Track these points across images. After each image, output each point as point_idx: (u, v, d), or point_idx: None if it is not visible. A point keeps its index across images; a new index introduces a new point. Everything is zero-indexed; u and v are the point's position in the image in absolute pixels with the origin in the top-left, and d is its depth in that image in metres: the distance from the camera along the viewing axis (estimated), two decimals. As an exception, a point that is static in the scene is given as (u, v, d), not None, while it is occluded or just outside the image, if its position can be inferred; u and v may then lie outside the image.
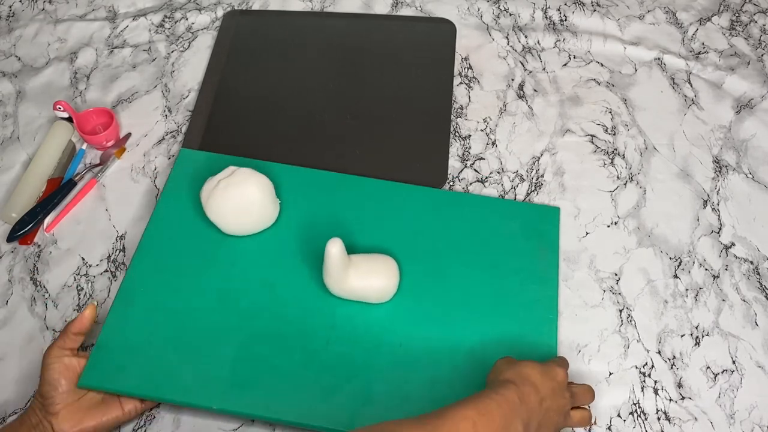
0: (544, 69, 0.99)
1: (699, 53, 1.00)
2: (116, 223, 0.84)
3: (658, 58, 0.99)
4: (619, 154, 0.89)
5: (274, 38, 1.03)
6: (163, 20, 1.06)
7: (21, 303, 0.78)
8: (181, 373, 0.68)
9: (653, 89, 0.96)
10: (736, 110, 0.94)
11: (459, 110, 0.94)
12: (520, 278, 0.76)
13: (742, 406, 0.70)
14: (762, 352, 0.74)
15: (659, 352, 0.74)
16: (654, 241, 0.82)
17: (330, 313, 0.73)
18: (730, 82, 0.96)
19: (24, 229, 0.82)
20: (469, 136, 0.91)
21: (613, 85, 0.97)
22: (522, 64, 0.99)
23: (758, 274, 0.79)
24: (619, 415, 0.70)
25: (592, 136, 0.91)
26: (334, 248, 0.68)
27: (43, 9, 1.08)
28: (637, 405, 0.71)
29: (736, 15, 1.05)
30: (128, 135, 0.92)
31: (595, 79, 0.97)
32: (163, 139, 0.92)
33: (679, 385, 0.72)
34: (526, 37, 1.03)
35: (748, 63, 0.99)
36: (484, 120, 0.93)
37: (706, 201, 0.85)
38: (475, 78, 0.98)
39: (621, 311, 0.77)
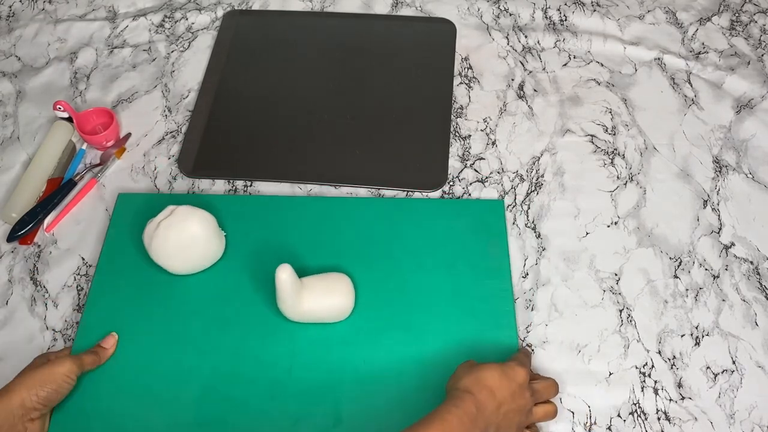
0: (544, 69, 0.99)
1: (699, 53, 1.00)
2: (116, 223, 0.84)
3: (658, 58, 0.99)
4: (619, 154, 0.89)
5: (274, 38, 1.03)
6: (163, 20, 1.06)
7: (21, 303, 0.78)
8: (147, 422, 0.67)
9: (653, 89, 0.96)
10: (736, 110, 0.94)
11: (459, 110, 0.94)
12: (474, 275, 0.76)
13: (742, 406, 0.70)
14: (762, 352, 0.74)
15: (659, 352, 0.74)
16: (654, 241, 0.82)
17: (289, 339, 0.72)
18: (730, 82, 0.96)
19: (24, 229, 0.82)
20: (469, 136, 0.91)
21: (613, 85, 0.96)
22: (522, 64, 0.99)
23: (758, 274, 0.79)
24: (619, 415, 0.70)
25: (592, 136, 0.91)
26: (284, 274, 0.68)
27: (43, 9, 1.08)
28: (637, 405, 0.71)
29: (736, 15, 1.05)
30: (128, 135, 0.92)
31: (595, 79, 0.97)
32: (163, 139, 0.92)
33: (679, 385, 0.72)
34: (526, 37, 1.03)
35: (748, 63, 0.99)
36: (484, 120, 0.93)
37: (706, 201, 0.85)
38: (475, 78, 0.98)
39: (621, 311, 0.76)
